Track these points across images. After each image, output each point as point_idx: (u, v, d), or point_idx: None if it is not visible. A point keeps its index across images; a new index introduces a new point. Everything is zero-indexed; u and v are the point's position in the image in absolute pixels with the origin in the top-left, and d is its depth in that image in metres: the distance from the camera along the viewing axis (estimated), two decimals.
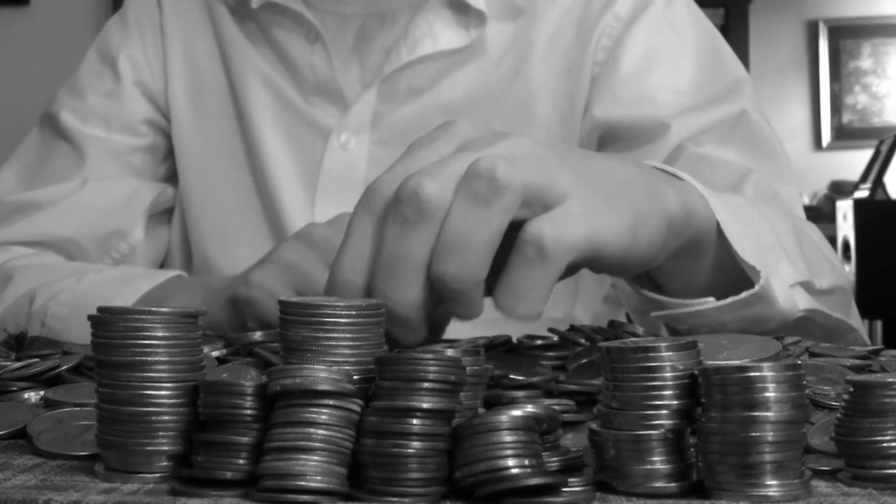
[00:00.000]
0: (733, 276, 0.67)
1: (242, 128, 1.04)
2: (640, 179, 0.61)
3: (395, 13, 1.01)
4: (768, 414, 0.36)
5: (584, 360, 0.55)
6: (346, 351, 0.41)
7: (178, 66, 1.07)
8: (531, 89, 1.00)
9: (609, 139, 1.00)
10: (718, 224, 0.66)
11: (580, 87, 1.00)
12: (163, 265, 1.09)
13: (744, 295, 0.65)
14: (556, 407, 0.45)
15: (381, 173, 0.55)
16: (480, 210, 0.51)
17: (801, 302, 0.70)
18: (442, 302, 0.53)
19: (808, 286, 0.72)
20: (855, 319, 0.81)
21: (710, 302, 0.66)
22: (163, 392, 0.40)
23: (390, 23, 1.01)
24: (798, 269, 0.71)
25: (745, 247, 0.67)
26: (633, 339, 0.49)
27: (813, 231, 0.85)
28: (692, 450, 0.39)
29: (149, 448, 0.40)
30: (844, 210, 3.45)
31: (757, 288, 0.65)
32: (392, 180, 0.53)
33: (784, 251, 0.71)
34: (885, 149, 3.58)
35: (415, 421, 0.36)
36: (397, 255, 0.52)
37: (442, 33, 0.99)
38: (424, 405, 0.36)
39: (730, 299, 0.66)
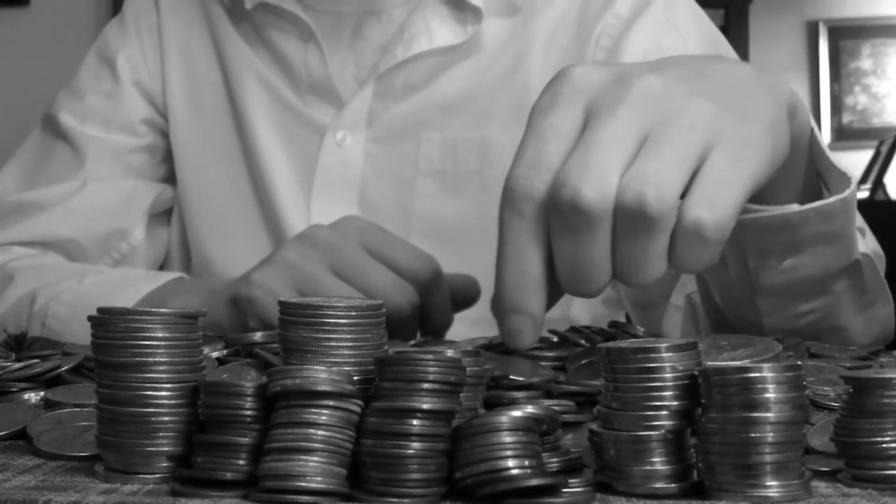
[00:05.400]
0: (814, 194, 0.64)
1: (239, 127, 1.05)
2: (753, 77, 0.57)
3: (390, 11, 1.01)
4: (768, 415, 0.36)
5: (584, 361, 0.55)
6: (347, 352, 0.41)
7: (176, 67, 1.07)
8: (529, 87, 1.00)
9: None
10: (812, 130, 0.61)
11: None
12: (162, 266, 1.09)
13: (832, 199, 0.61)
14: (556, 407, 0.45)
15: (513, 161, 0.52)
16: (640, 237, 0.50)
17: (860, 245, 0.66)
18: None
19: (861, 231, 0.68)
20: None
21: (794, 207, 0.62)
22: (163, 393, 0.40)
23: (386, 20, 1.01)
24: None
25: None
26: (633, 339, 0.49)
27: None
28: (692, 450, 0.39)
29: (149, 449, 0.40)
30: None
31: (847, 193, 0.61)
32: (529, 176, 0.51)
33: None
34: (885, 149, 3.57)
35: (415, 422, 0.36)
36: (580, 266, 0.51)
37: (438, 30, 0.99)
38: (424, 406, 0.36)
39: (817, 203, 0.61)
